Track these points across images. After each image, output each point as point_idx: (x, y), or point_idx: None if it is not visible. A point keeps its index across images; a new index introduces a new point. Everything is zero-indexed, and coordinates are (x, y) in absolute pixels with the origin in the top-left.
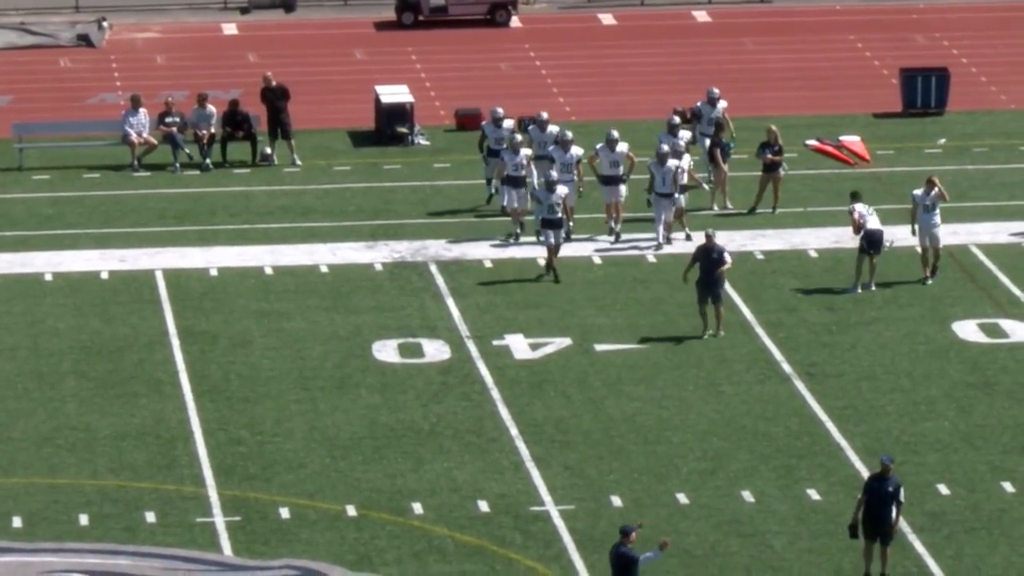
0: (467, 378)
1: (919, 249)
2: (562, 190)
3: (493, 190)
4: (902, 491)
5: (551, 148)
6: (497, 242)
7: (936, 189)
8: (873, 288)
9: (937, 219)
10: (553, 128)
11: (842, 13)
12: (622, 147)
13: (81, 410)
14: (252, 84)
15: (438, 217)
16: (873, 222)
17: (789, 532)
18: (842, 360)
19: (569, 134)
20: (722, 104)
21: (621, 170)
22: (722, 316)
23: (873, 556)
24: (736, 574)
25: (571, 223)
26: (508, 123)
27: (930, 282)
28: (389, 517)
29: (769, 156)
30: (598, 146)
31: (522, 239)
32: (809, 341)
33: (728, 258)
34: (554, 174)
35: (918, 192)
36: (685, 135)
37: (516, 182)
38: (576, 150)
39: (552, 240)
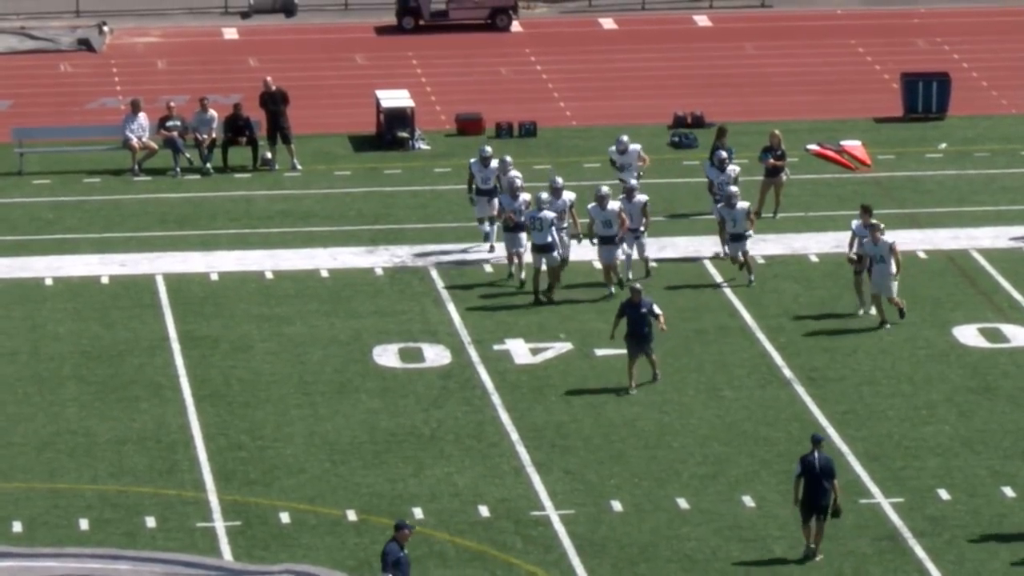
0: (467, 383)
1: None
2: (614, 205)
3: (487, 229)
4: (833, 466)
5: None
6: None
7: (887, 241)
8: (873, 311)
9: (893, 269)
10: (569, 195)
11: (843, 18)
12: (614, 205)
13: (81, 415)
14: (253, 89)
15: (439, 222)
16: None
17: (790, 537)
18: (843, 365)
19: (559, 180)
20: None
21: (615, 229)
22: (657, 363)
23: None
24: None
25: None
26: (495, 162)
27: (888, 326)
28: (390, 522)
29: (771, 161)
30: (589, 206)
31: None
32: (810, 346)
33: (659, 310)
34: (544, 195)
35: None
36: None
37: (515, 227)
38: (568, 195)
39: (543, 265)
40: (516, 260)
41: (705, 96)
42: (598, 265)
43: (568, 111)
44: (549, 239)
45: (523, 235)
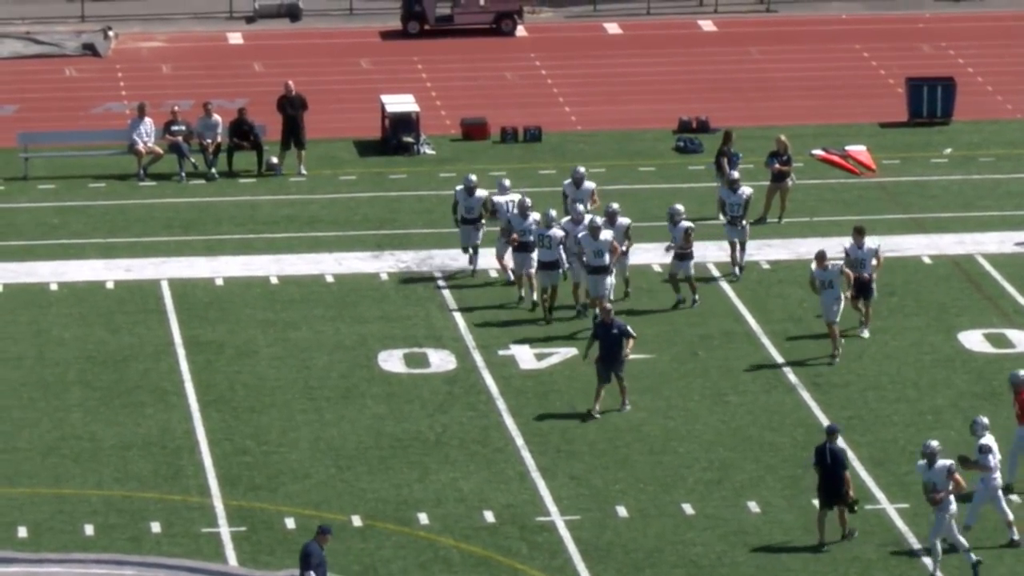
0: (473, 388)
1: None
2: (607, 234)
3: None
4: (845, 458)
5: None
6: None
7: (840, 270)
8: (866, 334)
9: (839, 292)
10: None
11: (848, 22)
12: (606, 234)
13: (86, 420)
14: (258, 94)
15: (444, 227)
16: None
17: (795, 542)
18: (848, 370)
19: (528, 201)
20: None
21: (607, 259)
22: (626, 390)
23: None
24: None
25: (534, 298)
26: (481, 192)
27: (837, 361)
28: (395, 527)
29: (777, 166)
30: (580, 234)
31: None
32: (815, 351)
33: (633, 332)
34: (553, 212)
35: (814, 267)
36: (607, 234)
37: (524, 247)
38: (557, 232)
39: (548, 282)
40: (526, 280)
41: (710, 101)
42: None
43: (573, 116)
44: (556, 257)
45: (533, 255)
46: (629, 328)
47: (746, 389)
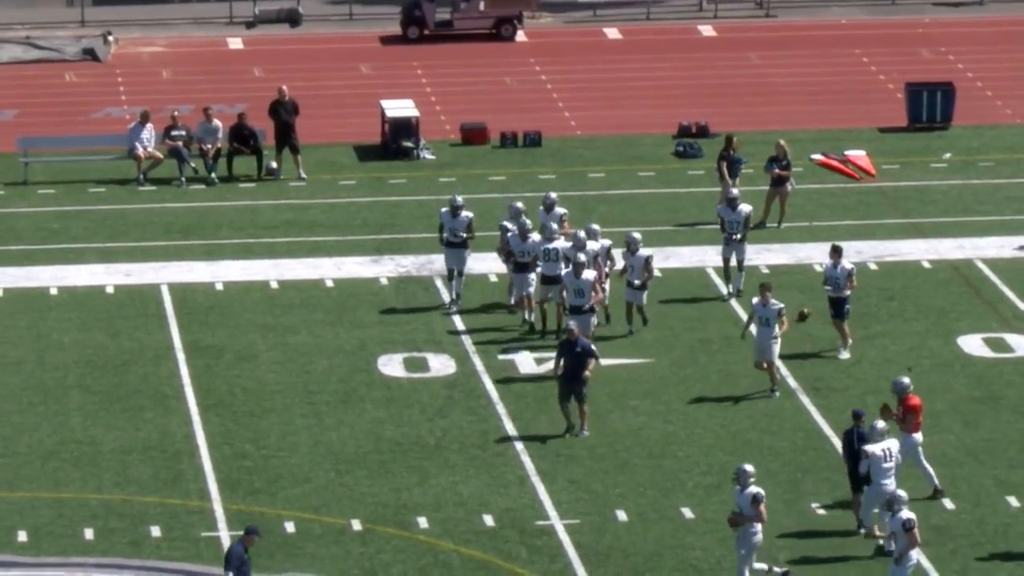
0: (472, 392)
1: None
2: (590, 274)
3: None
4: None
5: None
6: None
7: (776, 306)
8: (845, 355)
9: (776, 332)
10: (605, 242)
11: (847, 27)
12: (589, 275)
13: (86, 424)
14: (258, 99)
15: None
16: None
17: (794, 544)
18: (847, 375)
19: (528, 223)
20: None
21: (586, 301)
22: (586, 414)
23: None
24: None
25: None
26: (467, 213)
27: (776, 393)
28: (394, 531)
29: (776, 171)
30: (563, 273)
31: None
32: (815, 356)
33: (596, 351)
34: (582, 256)
35: (756, 300)
36: (594, 246)
37: (523, 268)
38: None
39: (549, 296)
40: (526, 302)
41: (710, 106)
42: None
43: (573, 121)
44: (557, 272)
45: (532, 275)
46: (594, 348)
47: (745, 393)
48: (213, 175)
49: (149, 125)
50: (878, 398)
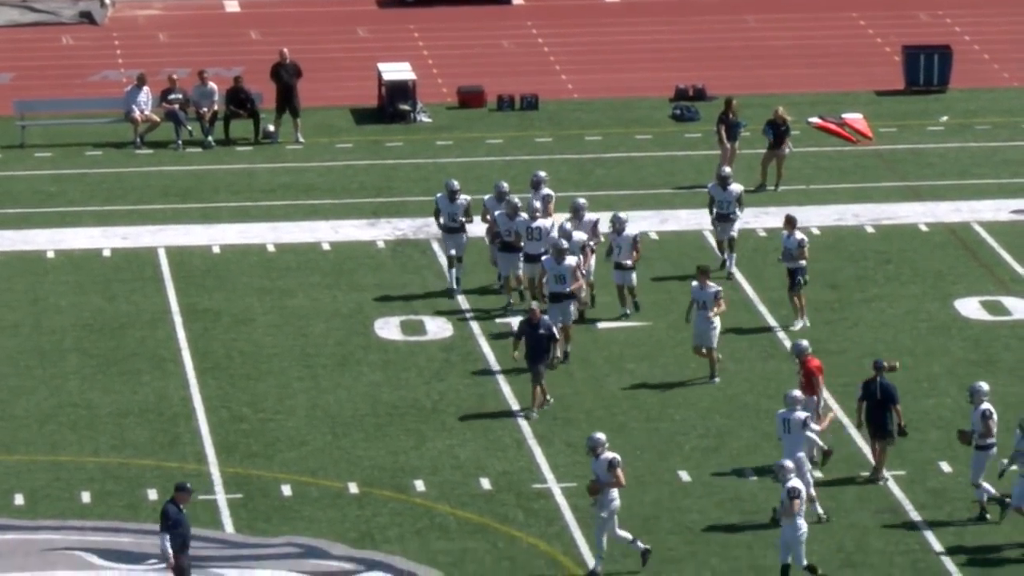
0: (469, 356)
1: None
2: (571, 260)
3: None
4: (895, 392)
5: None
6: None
7: (712, 289)
8: (802, 323)
9: (716, 321)
10: (523, 215)
11: None
12: (571, 260)
13: (83, 387)
14: (254, 62)
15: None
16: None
17: None
18: (844, 338)
19: (517, 200)
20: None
21: (568, 286)
22: (545, 390)
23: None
24: (738, 551)
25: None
26: (464, 197)
27: (717, 380)
28: (391, 494)
29: (771, 138)
30: (543, 258)
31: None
32: (811, 318)
33: (558, 334)
34: (564, 243)
35: (694, 284)
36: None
37: (509, 247)
38: (545, 223)
39: (533, 274)
40: (514, 282)
41: (707, 69)
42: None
43: (570, 84)
44: (542, 250)
45: (517, 256)
46: (555, 330)
47: (743, 357)
48: (210, 138)
49: (146, 88)
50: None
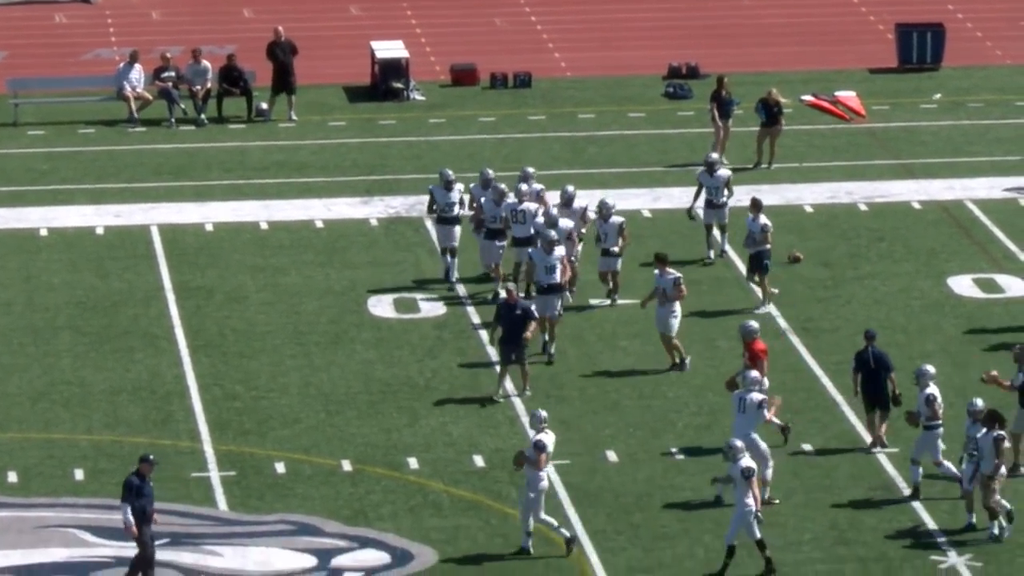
0: (462, 333)
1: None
2: (560, 251)
3: (449, 262)
4: (888, 359)
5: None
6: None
7: (672, 276)
8: (765, 310)
9: (677, 309)
10: (510, 200)
11: None
12: (559, 251)
13: (76, 365)
14: (247, 40)
15: (433, 172)
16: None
17: (784, 486)
18: (837, 315)
19: (504, 187)
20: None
21: (558, 277)
22: (528, 375)
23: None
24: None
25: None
26: (459, 187)
27: (687, 364)
28: (384, 472)
29: (764, 117)
30: (530, 250)
31: None
32: (805, 296)
33: (535, 312)
34: (553, 234)
35: (656, 271)
36: (567, 223)
37: (495, 234)
38: (530, 206)
39: (521, 258)
40: (496, 271)
41: (700, 47)
42: (592, 213)
43: (563, 62)
44: (530, 234)
45: (502, 243)
46: (533, 309)
47: (735, 334)
48: (203, 116)
49: (138, 66)
50: None
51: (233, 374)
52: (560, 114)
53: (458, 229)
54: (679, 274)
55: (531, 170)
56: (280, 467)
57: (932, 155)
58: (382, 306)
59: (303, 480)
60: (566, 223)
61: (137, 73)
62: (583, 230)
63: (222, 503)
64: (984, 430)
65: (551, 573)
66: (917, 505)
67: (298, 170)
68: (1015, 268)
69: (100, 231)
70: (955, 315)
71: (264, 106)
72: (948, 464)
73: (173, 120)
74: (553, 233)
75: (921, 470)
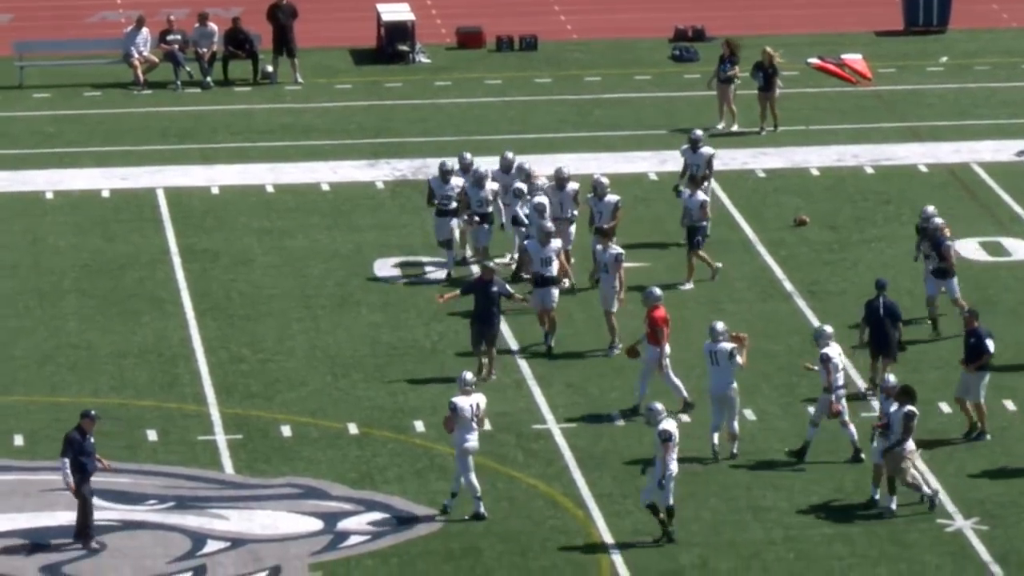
0: (468, 296)
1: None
2: (557, 243)
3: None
4: (898, 309)
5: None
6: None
7: (614, 251)
8: (688, 286)
9: (615, 284)
10: (492, 185)
11: None
12: (555, 244)
13: (82, 328)
14: (253, 2)
15: (439, 135)
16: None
17: (789, 449)
18: (843, 278)
19: (484, 169)
20: (707, 151)
21: (554, 268)
22: (494, 358)
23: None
24: (737, 491)
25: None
26: (457, 180)
27: (616, 351)
28: (391, 435)
29: (761, 81)
30: (526, 241)
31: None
32: (811, 259)
33: (511, 290)
34: (549, 225)
35: (599, 248)
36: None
37: (482, 218)
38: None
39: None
40: (478, 255)
41: (706, 9)
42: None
43: (569, 24)
44: (516, 211)
45: (486, 227)
46: (510, 289)
47: (741, 297)
48: (209, 79)
49: (145, 29)
50: None
51: (239, 337)
52: (566, 77)
53: (454, 221)
54: (621, 250)
55: (511, 155)
56: (286, 430)
57: (938, 118)
58: (388, 269)
59: (309, 443)
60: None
61: (143, 36)
62: (575, 211)
63: (228, 466)
64: (896, 405)
65: (557, 535)
66: (923, 467)
67: (304, 133)
68: (1021, 231)
69: (106, 194)
70: (962, 278)
71: (270, 69)
72: (852, 428)
73: (179, 83)
74: (550, 225)
75: (815, 431)
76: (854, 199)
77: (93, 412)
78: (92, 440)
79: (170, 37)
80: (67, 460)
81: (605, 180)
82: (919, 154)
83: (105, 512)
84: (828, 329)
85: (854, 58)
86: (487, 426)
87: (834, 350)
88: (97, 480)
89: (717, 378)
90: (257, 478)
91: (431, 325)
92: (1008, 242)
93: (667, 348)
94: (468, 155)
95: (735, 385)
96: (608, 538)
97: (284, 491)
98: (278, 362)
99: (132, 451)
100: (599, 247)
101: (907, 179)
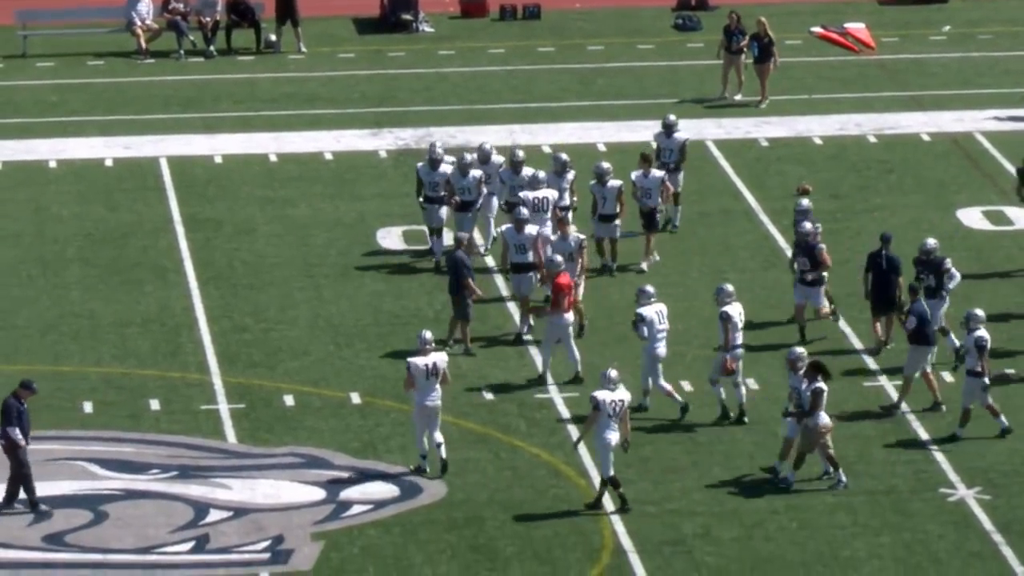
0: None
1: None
2: (532, 229)
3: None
4: (900, 264)
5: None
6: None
7: (574, 239)
8: (644, 265)
9: (577, 268)
10: (476, 172)
11: None
12: (531, 230)
13: (85, 297)
14: None
15: (442, 104)
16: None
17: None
18: (847, 247)
19: (468, 156)
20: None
21: (530, 256)
22: (468, 334)
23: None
24: (740, 461)
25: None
26: (446, 167)
27: (584, 331)
28: (393, 404)
29: (756, 52)
30: (504, 227)
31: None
32: None
33: (469, 264)
34: (524, 211)
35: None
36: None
37: (465, 206)
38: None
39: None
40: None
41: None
42: (603, 145)
43: None
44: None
45: (470, 214)
46: (468, 261)
47: (744, 267)
48: (212, 48)
49: None
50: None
51: (242, 306)
52: (569, 46)
53: (444, 210)
54: (582, 236)
55: (488, 146)
56: (289, 399)
57: (942, 87)
58: (391, 238)
59: (312, 413)
60: (551, 192)
61: (146, 5)
62: (575, 198)
63: (231, 436)
64: (806, 382)
65: (559, 504)
66: (924, 436)
67: (307, 102)
68: None
69: (109, 163)
70: (964, 247)
71: (273, 38)
72: (720, 389)
73: (182, 52)
74: (524, 211)
75: (722, 390)
76: (857, 168)
77: (35, 384)
78: (27, 408)
79: (173, 6)
80: (16, 428)
81: (607, 165)
82: (922, 123)
83: (108, 481)
84: (728, 287)
85: (857, 27)
86: (489, 396)
87: (735, 309)
88: (100, 450)
89: (651, 341)
90: (260, 447)
91: (433, 294)
92: (1011, 211)
93: (570, 316)
94: (488, 144)
95: (661, 350)
96: (610, 507)
97: (287, 460)
98: (281, 331)
99: (135, 420)
100: (559, 234)
101: (910, 148)
